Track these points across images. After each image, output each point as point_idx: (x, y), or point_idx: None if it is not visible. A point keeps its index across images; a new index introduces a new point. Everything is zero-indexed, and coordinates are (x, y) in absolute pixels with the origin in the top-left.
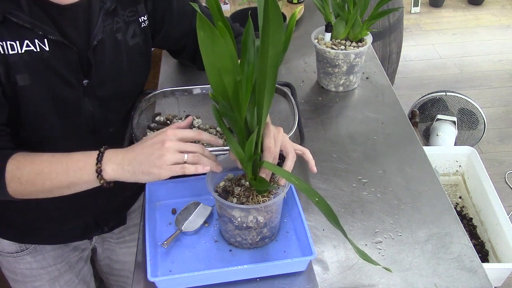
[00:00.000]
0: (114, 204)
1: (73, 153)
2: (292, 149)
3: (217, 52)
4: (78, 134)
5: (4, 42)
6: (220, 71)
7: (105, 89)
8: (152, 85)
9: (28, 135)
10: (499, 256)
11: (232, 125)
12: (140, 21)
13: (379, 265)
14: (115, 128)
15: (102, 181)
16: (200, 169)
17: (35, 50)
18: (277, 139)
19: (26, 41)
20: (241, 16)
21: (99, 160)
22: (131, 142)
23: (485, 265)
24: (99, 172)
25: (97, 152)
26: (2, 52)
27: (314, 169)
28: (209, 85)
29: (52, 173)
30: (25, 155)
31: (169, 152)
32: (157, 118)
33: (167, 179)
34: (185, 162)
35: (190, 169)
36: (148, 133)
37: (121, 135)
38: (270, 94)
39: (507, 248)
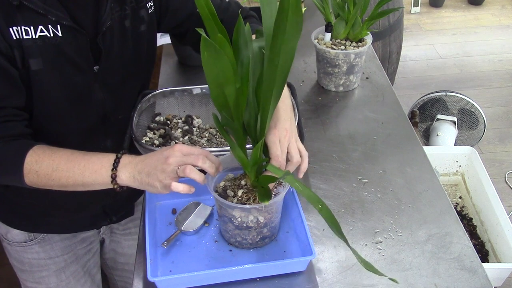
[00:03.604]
0: (123, 194)
1: (91, 154)
2: (297, 154)
3: (220, 68)
4: (89, 121)
5: (19, 27)
6: (222, 84)
7: (114, 76)
8: (152, 85)
9: (40, 122)
10: (499, 256)
11: (232, 133)
12: (148, 6)
13: (384, 275)
14: (124, 115)
15: (115, 186)
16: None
17: (48, 35)
18: (283, 145)
19: (40, 27)
20: None
21: (115, 166)
22: (131, 142)
23: (485, 265)
24: (113, 177)
25: (114, 157)
26: (17, 36)
27: (300, 175)
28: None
29: (68, 171)
30: (44, 149)
31: (170, 168)
32: (157, 118)
33: None
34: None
35: (178, 188)
36: (148, 133)
37: (129, 123)
38: (275, 102)
39: (507, 248)
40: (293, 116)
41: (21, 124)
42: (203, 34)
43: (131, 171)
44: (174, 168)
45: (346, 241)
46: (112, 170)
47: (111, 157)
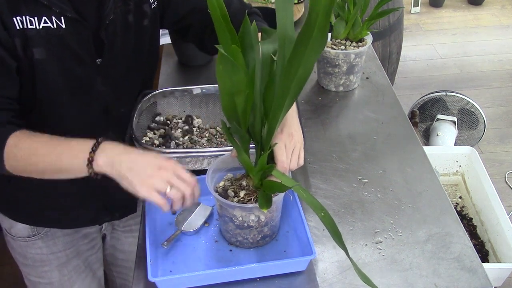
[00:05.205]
0: (125, 190)
1: (72, 138)
2: (295, 163)
3: (235, 81)
4: (90, 113)
5: (23, 17)
6: (234, 94)
7: (116, 69)
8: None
9: (42, 112)
10: (499, 256)
11: (238, 138)
12: (151, 1)
13: None
14: (125, 108)
15: (90, 170)
16: (170, 207)
17: (52, 26)
18: (288, 150)
19: (44, 18)
20: None
21: (93, 149)
22: (131, 142)
23: (485, 265)
24: (90, 160)
25: (94, 141)
26: (21, 26)
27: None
28: (209, 85)
29: (46, 156)
30: (25, 134)
31: (159, 178)
32: (157, 118)
33: None
34: (166, 193)
35: (164, 207)
36: (148, 133)
37: (131, 116)
38: (286, 111)
39: (507, 248)
40: (298, 121)
41: (9, 113)
42: (221, 49)
43: (110, 157)
44: (161, 182)
45: (346, 251)
46: (90, 153)
47: (91, 141)
